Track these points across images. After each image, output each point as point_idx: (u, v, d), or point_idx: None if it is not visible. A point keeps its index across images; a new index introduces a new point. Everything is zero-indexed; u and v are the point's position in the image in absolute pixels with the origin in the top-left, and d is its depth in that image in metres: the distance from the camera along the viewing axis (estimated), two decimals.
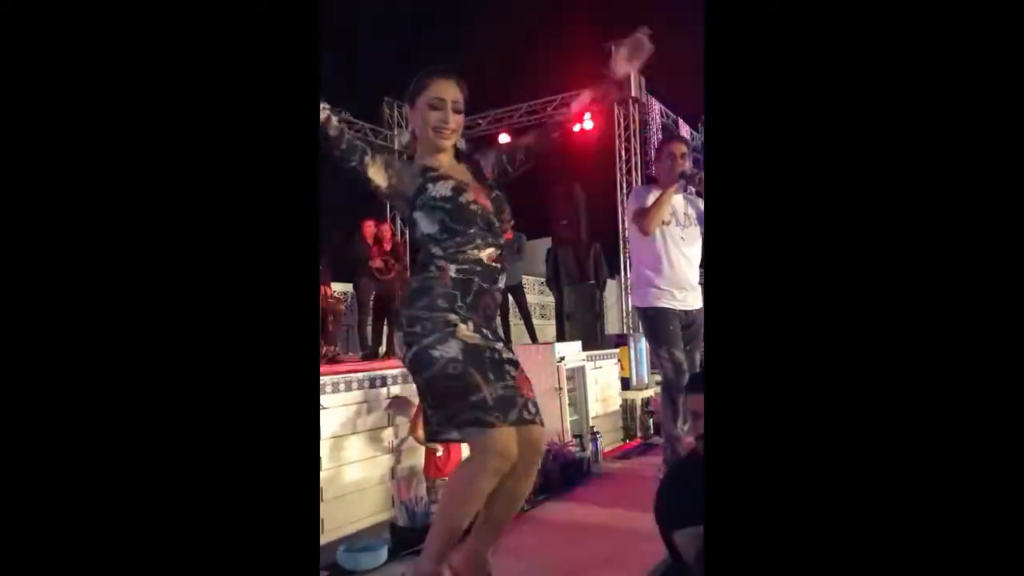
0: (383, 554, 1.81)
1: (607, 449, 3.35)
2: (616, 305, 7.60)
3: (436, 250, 1.48)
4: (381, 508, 3.43)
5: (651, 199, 2.68)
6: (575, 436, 3.05)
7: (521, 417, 1.43)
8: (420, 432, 2.89)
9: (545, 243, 6.37)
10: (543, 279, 7.04)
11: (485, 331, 1.49)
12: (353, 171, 1.47)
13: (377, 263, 5.47)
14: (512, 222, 1.33)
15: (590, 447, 2.95)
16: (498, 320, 1.57)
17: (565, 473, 2.64)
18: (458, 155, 1.62)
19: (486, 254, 1.49)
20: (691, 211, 2.77)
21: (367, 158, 1.46)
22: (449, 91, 1.51)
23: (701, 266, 2.89)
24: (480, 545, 1.54)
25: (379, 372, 3.61)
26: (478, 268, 1.48)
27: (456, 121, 1.53)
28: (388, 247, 5.61)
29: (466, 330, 1.44)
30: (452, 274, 1.47)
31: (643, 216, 2.63)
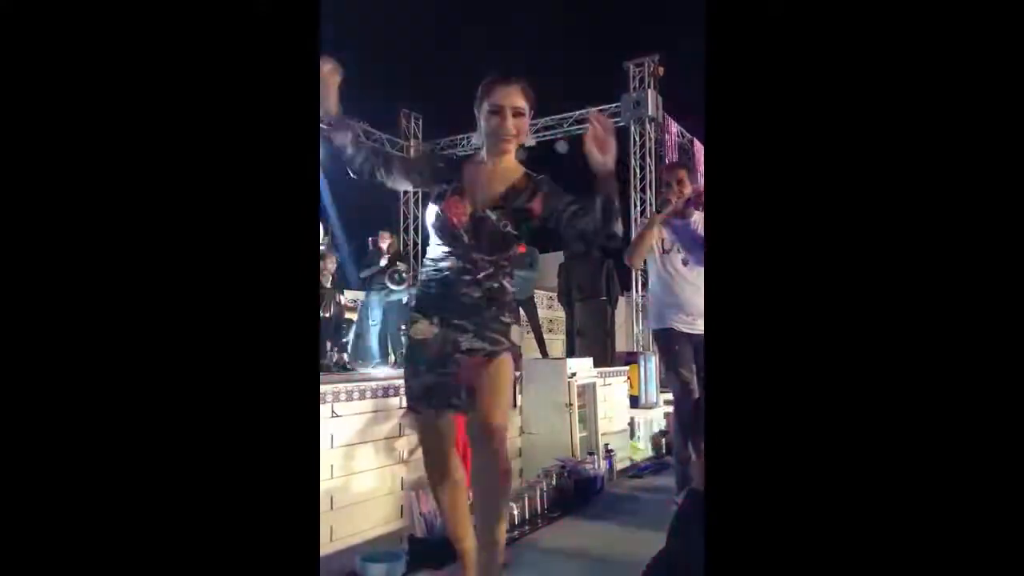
0: (401, 565, 1.79)
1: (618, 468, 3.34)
2: (626, 323, 7.58)
3: (426, 251, 1.64)
4: (391, 518, 3.41)
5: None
6: (590, 453, 3.03)
7: (445, 403, 1.56)
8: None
9: (557, 257, 6.37)
10: (552, 293, 7.04)
11: (456, 322, 1.56)
12: (383, 179, 1.60)
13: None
14: (501, 253, 1.32)
15: (604, 464, 2.92)
16: (495, 310, 1.58)
17: (579, 490, 2.62)
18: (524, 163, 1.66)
19: (445, 265, 1.58)
20: (697, 235, 2.75)
21: (379, 172, 1.58)
22: (508, 97, 1.53)
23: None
24: (484, 556, 1.55)
25: (392, 382, 3.60)
26: (436, 276, 1.60)
27: (516, 126, 1.55)
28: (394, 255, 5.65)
29: (422, 327, 1.58)
30: (423, 277, 1.63)
31: (629, 249, 2.68)
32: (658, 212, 2.66)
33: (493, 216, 1.56)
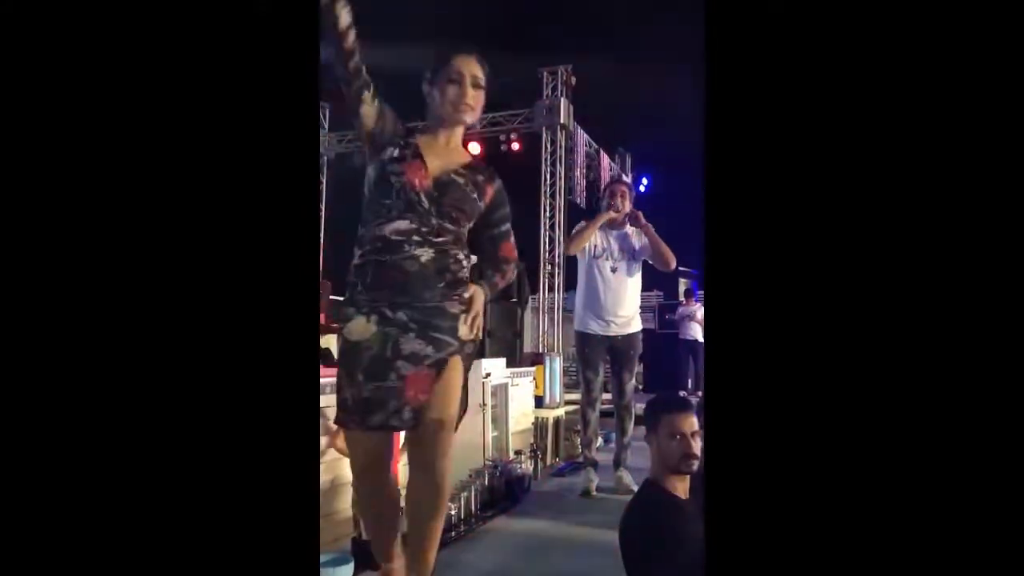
0: (349, 568, 1.77)
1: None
2: (532, 324, 7.73)
3: (359, 229, 1.47)
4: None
5: (581, 226, 3.09)
6: (516, 452, 3.10)
7: (385, 423, 1.39)
8: (341, 441, 2.82)
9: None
10: None
11: (396, 315, 1.40)
12: (349, 96, 1.41)
13: None
14: (464, 220, 1.29)
15: (530, 464, 3.00)
16: (436, 293, 1.44)
17: (510, 489, 2.68)
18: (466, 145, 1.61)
19: (393, 229, 1.42)
20: (623, 246, 3.01)
21: (367, 93, 1.41)
22: (468, 66, 1.47)
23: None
24: (412, 557, 1.50)
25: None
26: (379, 245, 1.43)
27: (474, 97, 1.49)
28: None
29: (357, 325, 1.41)
30: (355, 260, 1.46)
31: (570, 239, 3.08)
32: (608, 209, 3.00)
33: (460, 180, 1.48)
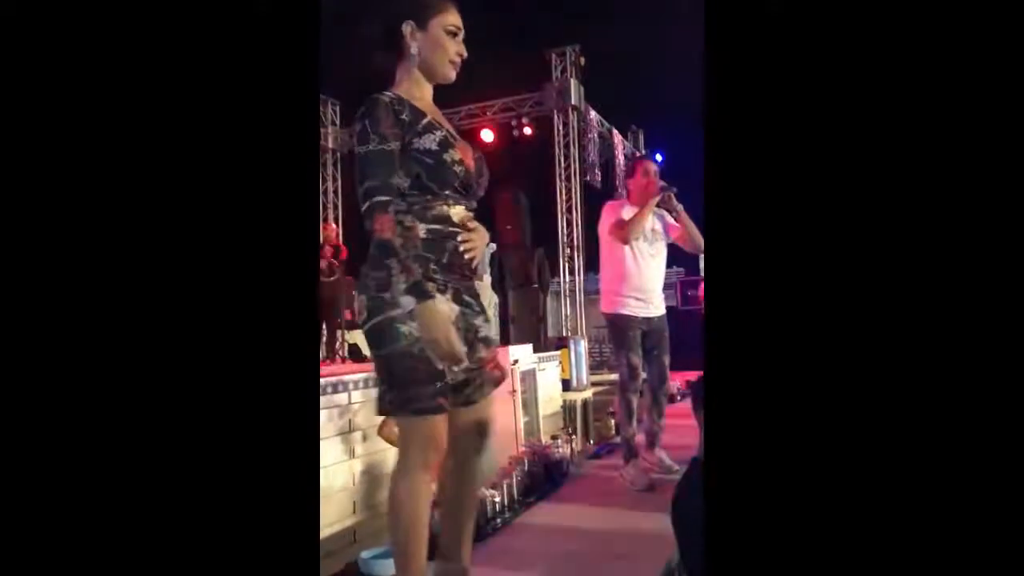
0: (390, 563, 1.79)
1: None
2: (556, 309, 7.73)
3: (401, 205, 1.31)
4: (345, 514, 3.36)
5: (627, 212, 2.90)
6: (553, 437, 3.11)
7: (469, 398, 1.37)
8: (388, 429, 2.84)
9: (489, 248, 6.41)
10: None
11: (467, 299, 1.39)
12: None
13: (321, 264, 5.32)
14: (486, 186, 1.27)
15: (568, 448, 3.01)
16: (482, 283, 1.50)
17: (549, 474, 2.69)
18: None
19: (456, 213, 1.37)
20: (658, 226, 2.96)
21: (394, 208, 1.30)
22: (460, 20, 1.40)
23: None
24: (449, 555, 1.41)
25: (341, 377, 3.53)
26: (451, 228, 1.36)
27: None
28: (331, 248, 5.47)
29: (443, 303, 1.31)
30: (422, 234, 1.33)
31: (624, 227, 2.83)
32: (663, 191, 2.86)
33: (479, 155, 1.44)
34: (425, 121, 1.36)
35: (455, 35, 1.39)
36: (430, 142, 1.33)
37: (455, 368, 1.33)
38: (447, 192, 1.35)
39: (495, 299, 4.16)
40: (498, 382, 1.43)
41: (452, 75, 1.42)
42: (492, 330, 1.47)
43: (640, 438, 2.91)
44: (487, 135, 7.67)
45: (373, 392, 1.50)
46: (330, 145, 8.77)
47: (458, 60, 1.41)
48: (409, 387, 1.28)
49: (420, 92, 1.40)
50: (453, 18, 1.39)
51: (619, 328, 2.86)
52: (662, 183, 2.89)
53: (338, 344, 5.42)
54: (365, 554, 1.79)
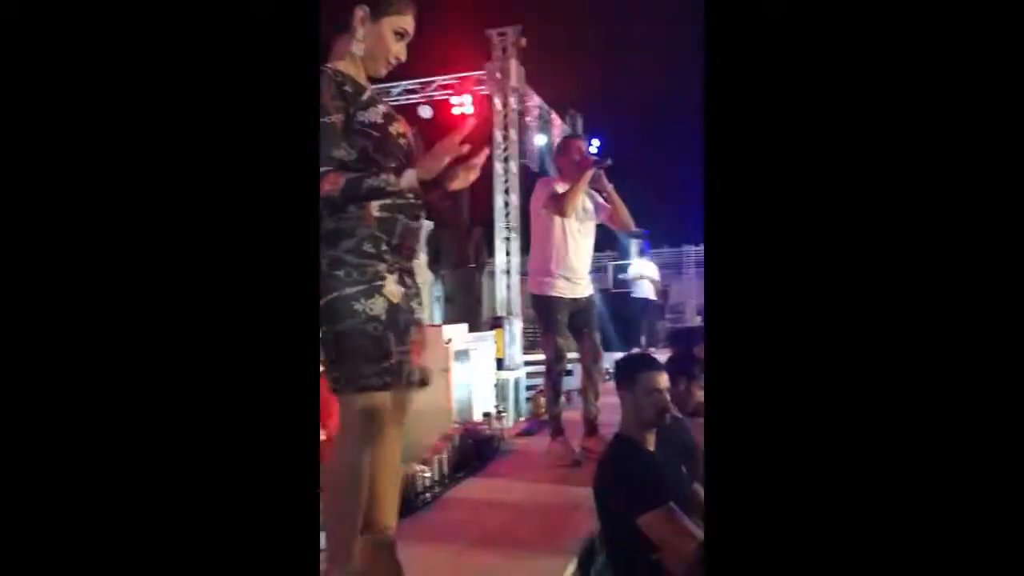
0: None
1: None
2: (492, 289, 7.80)
3: (366, 179, 1.30)
4: None
5: (560, 187, 2.86)
6: (485, 415, 3.17)
7: (409, 380, 1.38)
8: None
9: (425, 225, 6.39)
10: None
11: (408, 281, 1.41)
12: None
13: None
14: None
15: (499, 425, 3.08)
16: (415, 264, 1.46)
17: (479, 450, 2.76)
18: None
19: (407, 184, 1.33)
20: (588, 205, 2.98)
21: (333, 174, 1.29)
22: (411, 24, 1.43)
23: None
24: (377, 527, 1.42)
25: None
26: (400, 202, 1.35)
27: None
28: None
29: (392, 285, 1.34)
30: (375, 212, 1.33)
31: (560, 200, 2.79)
32: (596, 165, 2.80)
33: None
34: (368, 95, 1.38)
35: (401, 37, 1.42)
36: (375, 115, 1.35)
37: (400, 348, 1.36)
38: (393, 165, 1.35)
39: (430, 278, 4.17)
40: (422, 383, 1.46)
41: (383, 73, 1.45)
42: (423, 312, 1.50)
43: (568, 416, 2.95)
44: (425, 111, 7.60)
45: None
46: None
47: (394, 62, 1.44)
48: (360, 364, 1.31)
49: (356, 71, 1.42)
50: (405, 22, 1.41)
51: (546, 310, 2.86)
52: (595, 157, 2.92)
53: None
54: None
